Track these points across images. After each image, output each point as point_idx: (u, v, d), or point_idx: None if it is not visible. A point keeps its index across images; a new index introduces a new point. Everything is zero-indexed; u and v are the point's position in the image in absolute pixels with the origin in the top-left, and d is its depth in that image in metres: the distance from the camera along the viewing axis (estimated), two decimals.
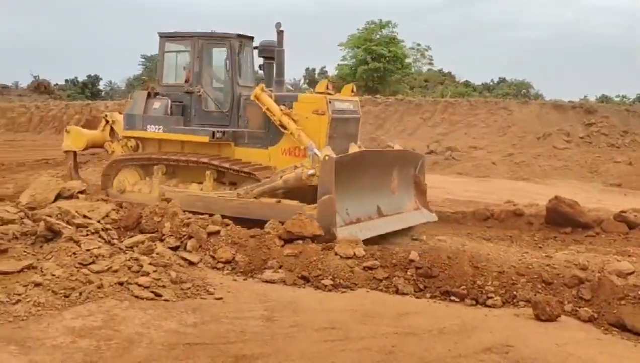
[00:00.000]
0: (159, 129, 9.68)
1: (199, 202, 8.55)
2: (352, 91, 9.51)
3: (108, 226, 6.92)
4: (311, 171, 7.74)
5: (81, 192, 8.60)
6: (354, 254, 6.42)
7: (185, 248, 6.91)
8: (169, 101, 9.76)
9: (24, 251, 5.87)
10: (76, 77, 46.43)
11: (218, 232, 7.15)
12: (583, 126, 21.07)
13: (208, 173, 9.07)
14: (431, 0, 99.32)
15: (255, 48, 10.05)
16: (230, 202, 8.38)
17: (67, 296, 5.01)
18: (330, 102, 8.64)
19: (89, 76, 46.44)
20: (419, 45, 40.51)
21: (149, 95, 10.02)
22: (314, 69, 44.70)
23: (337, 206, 7.38)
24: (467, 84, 40.64)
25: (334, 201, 7.30)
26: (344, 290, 6.00)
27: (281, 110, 8.64)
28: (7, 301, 4.80)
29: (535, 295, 5.60)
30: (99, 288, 5.21)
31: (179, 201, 8.14)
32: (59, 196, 8.11)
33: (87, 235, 6.35)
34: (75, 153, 11.00)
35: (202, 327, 4.76)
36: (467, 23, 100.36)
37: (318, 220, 7.20)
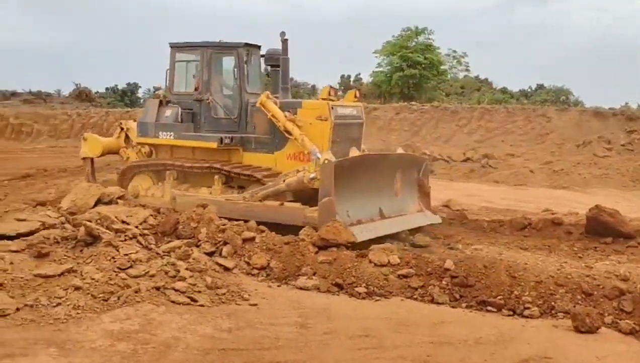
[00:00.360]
0: (170, 136, 9.96)
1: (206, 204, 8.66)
2: (356, 97, 9.72)
3: (146, 232, 7.05)
4: (312, 175, 8.00)
5: (120, 198, 8.77)
6: (389, 262, 6.38)
7: (220, 254, 6.97)
8: (180, 109, 10.04)
9: (65, 255, 6.03)
10: (116, 85, 47.41)
11: (253, 238, 7.21)
12: (624, 134, 20.55)
13: (216, 177, 9.32)
14: (468, 7, 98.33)
15: (262, 56, 10.34)
16: (236, 205, 8.59)
17: (106, 300, 5.11)
18: (332, 108, 8.84)
19: (128, 84, 47.38)
20: (455, 51, 40.15)
21: (160, 103, 10.30)
22: (349, 76, 44.75)
23: (338, 208, 7.56)
24: (504, 90, 40.07)
25: (333, 203, 7.50)
26: (378, 298, 5.97)
27: (285, 116, 8.85)
28: (48, 304, 4.92)
29: (574, 306, 5.47)
30: (136, 292, 5.31)
31: (185, 203, 8.52)
32: (98, 202, 8.28)
33: (125, 240, 6.48)
34: (92, 159, 11.36)
35: (237, 333, 4.80)
36: (504, 29, 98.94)
37: (319, 222, 7.41)
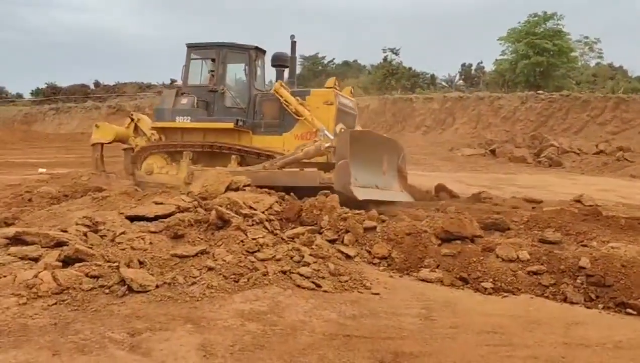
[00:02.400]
0: (187, 119, 11.38)
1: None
2: (351, 93, 11.55)
3: (271, 217, 7.27)
4: (328, 143, 9.47)
5: (247, 185, 9.12)
6: (518, 257, 6.11)
7: (342, 242, 7.02)
8: (196, 98, 11.45)
9: (198, 237, 6.38)
10: None
11: (374, 228, 7.20)
12: None
13: (233, 156, 10.77)
14: None
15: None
16: (257, 174, 9.70)
17: (237, 281, 5.33)
18: (337, 95, 10.48)
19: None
20: (586, 37, 37.71)
21: (176, 93, 11.80)
22: (470, 65, 43.35)
23: (352, 172, 8.88)
24: None
25: (349, 164, 8.83)
26: (505, 294, 5.74)
27: (297, 100, 10.44)
28: (184, 283, 5.21)
29: None
30: (264, 275, 5.48)
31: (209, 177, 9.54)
32: (228, 188, 8.67)
33: (252, 225, 6.72)
34: (102, 145, 12.75)
35: (361, 320, 4.81)
36: None
37: (335, 182, 8.79)
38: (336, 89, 10.63)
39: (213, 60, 11.62)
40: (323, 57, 53.48)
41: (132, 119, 12.63)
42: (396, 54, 42.08)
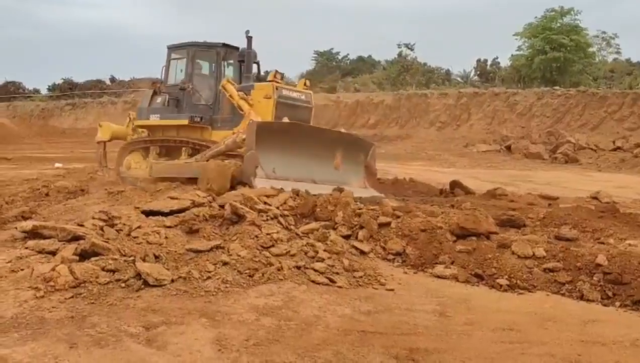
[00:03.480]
0: (157, 117, 12.16)
1: (172, 168, 10.45)
2: (305, 85, 11.43)
3: (286, 213, 7.27)
4: (243, 136, 9.36)
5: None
6: (534, 254, 6.07)
7: (356, 238, 7.01)
8: (167, 96, 12.06)
9: (213, 232, 6.40)
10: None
11: (389, 224, 7.17)
12: None
13: (184, 149, 11.36)
14: None
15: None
16: (189, 166, 10.06)
17: (251, 276, 5.34)
18: (277, 88, 10.44)
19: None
20: (604, 33, 37.26)
21: (154, 92, 12.52)
22: (485, 60, 43.00)
23: (264, 163, 8.89)
24: None
25: (255, 156, 8.81)
26: (521, 291, 5.70)
27: (239, 95, 10.57)
28: (199, 277, 5.23)
29: None
30: (279, 270, 5.50)
31: (160, 169, 10.45)
32: (233, 184, 8.85)
33: (267, 220, 6.73)
34: (105, 143, 13.61)
35: (376, 316, 4.81)
36: None
37: (243, 173, 8.77)
38: (277, 82, 10.60)
39: None
40: (337, 53, 53.44)
41: (130, 118, 13.54)
42: (411, 49, 41.95)
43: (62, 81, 50.59)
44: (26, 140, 34.67)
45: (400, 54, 42.42)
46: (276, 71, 10.77)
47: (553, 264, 5.91)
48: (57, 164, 18.67)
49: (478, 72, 42.91)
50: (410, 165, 19.54)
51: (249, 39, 11.57)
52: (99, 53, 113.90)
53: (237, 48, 12.14)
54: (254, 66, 12.01)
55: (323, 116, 27.36)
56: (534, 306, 5.24)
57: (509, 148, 24.37)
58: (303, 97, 11.08)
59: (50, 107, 45.42)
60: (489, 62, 42.68)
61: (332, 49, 52.99)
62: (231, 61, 12.49)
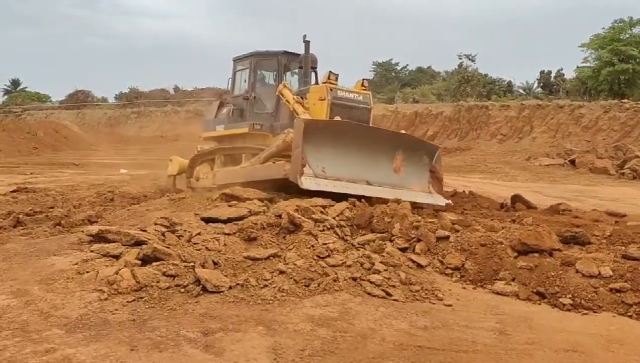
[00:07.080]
0: (222, 127, 12.51)
1: (230, 174, 10.47)
2: (363, 85, 10.95)
3: (342, 223, 7.26)
4: (292, 135, 9.00)
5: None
6: (599, 273, 5.82)
7: (413, 251, 6.92)
8: (232, 107, 12.40)
9: (270, 241, 6.45)
10: None
11: (447, 237, 7.04)
12: None
13: (244, 155, 11.13)
14: None
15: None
16: (244, 170, 10.11)
17: (307, 286, 5.35)
18: (331, 90, 10.18)
19: None
20: None
21: (220, 104, 13.04)
22: (549, 72, 41.87)
23: (312, 162, 8.54)
24: None
25: (301, 154, 8.39)
26: (585, 311, 5.47)
27: (294, 99, 10.55)
28: (256, 285, 5.28)
29: None
30: (334, 281, 5.48)
31: (221, 177, 10.55)
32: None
33: (323, 230, 6.74)
34: (175, 176, 13.66)
35: (433, 332, 4.72)
36: None
37: (289, 171, 8.53)
38: (332, 83, 10.31)
39: None
40: (396, 64, 53.25)
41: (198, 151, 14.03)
42: (472, 60, 41.29)
43: (129, 90, 52.56)
44: (93, 146, 36.06)
45: (460, 65, 41.85)
46: (330, 72, 10.47)
47: (620, 284, 5.65)
48: (122, 171, 19.33)
49: (541, 84, 41.83)
50: (469, 178, 19.17)
51: (307, 43, 11.49)
52: (164, 62, 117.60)
53: (299, 55, 11.97)
54: (312, 75, 11.91)
55: (381, 126, 27.18)
56: (599, 328, 5.03)
57: (573, 162, 23.57)
58: (360, 98, 10.69)
59: (116, 115, 47.18)
60: (552, 74, 41.58)
61: (391, 59, 52.96)
62: (295, 70, 12.44)
